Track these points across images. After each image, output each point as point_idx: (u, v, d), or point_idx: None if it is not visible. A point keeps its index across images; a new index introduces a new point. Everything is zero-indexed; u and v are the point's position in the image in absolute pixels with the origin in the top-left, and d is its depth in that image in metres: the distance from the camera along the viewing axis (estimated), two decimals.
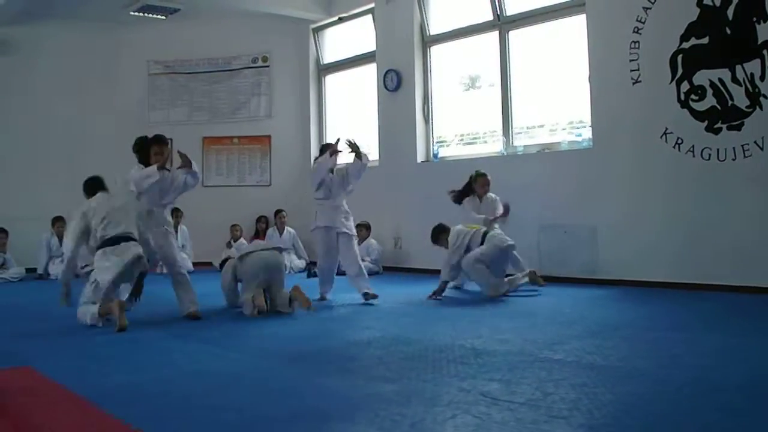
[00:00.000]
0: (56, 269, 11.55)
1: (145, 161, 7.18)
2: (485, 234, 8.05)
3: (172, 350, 5.39)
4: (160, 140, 7.24)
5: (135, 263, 6.51)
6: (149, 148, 7.19)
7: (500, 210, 8.75)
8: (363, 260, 11.00)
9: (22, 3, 11.67)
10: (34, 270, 11.74)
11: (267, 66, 13.74)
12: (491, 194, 8.96)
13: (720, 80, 7.77)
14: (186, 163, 7.18)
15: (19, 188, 12.05)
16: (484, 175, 8.96)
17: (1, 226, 11.30)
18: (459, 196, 9.05)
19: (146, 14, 12.62)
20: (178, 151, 7.29)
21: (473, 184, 8.99)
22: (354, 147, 7.96)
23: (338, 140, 7.99)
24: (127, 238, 6.61)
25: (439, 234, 8.48)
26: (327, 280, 8.23)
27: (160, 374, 4.55)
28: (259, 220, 13.03)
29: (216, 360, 4.99)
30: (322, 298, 8.08)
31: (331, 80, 13.60)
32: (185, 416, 3.53)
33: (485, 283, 7.92)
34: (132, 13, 12.45)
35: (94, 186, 7.05)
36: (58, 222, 11.64)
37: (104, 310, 6.39)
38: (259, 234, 12.98)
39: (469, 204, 8.92)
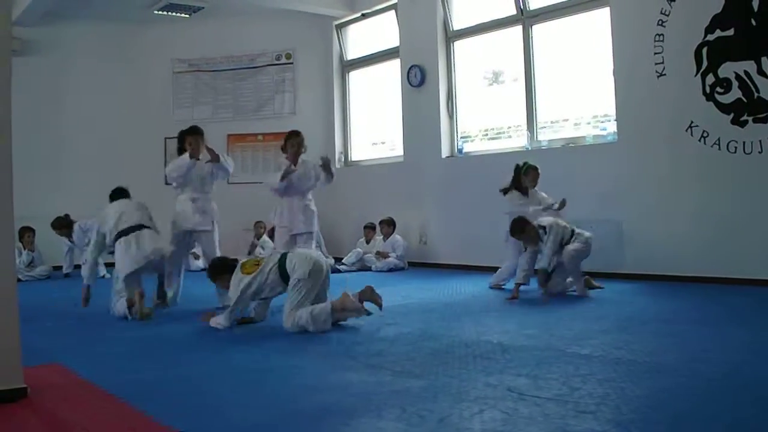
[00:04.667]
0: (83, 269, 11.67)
1: (182, 152, 7.71)
2: (572, 231, 7.64)
3: (201, 347, 5.43)
4: (194, 131, 7.77)
5: (154, 253, 6.92)
6: (185, 140, 7.70)
7: (551, 201, 8.28)
8: (388, 256, 11.10)
9: (47, 4, 11.77)
10: (61, 268, 11.84)
11: (291, 63, 13.77)
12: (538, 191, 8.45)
13: (746, 72, 7.71)
14: (213, 158, 7.59)
15: (47, 187, 12.11)
16: (535, 168, 8.41)
17: (29, 225, 11.38)
18: (506, 190, 8.51)
19: (170, 13, 12.72)
20: (207, 147, 7.65)
21: (522, 177, 8.41)
22: (326, 166, 8.06)
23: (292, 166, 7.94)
24: (141, 226, 7.03)
25: (525, 226, 7.66)
26: None
27: (189, 371, 4.58)
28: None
29: (244, 356, 5.02)
30: None
31: (354, 76, 13.60)
32: (214, 412, 3.55)
33: (578, 279, 7.59)
34: (156, 12, 12.56)
35: (115, 195, 7.62)
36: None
37: (129, 301, 6.66)
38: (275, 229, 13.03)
39: (516, 199, 8.39)
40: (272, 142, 13.63)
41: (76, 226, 11.59)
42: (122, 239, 6.93)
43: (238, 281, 6.04)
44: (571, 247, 7.50)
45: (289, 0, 12.54)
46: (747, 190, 7.74)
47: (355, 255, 11.37)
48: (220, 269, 6.39)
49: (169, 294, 7.55)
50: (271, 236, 12.96)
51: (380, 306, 6.08)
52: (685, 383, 3.80)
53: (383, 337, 5.54)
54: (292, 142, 8.03)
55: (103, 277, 11.39)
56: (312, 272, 5.92)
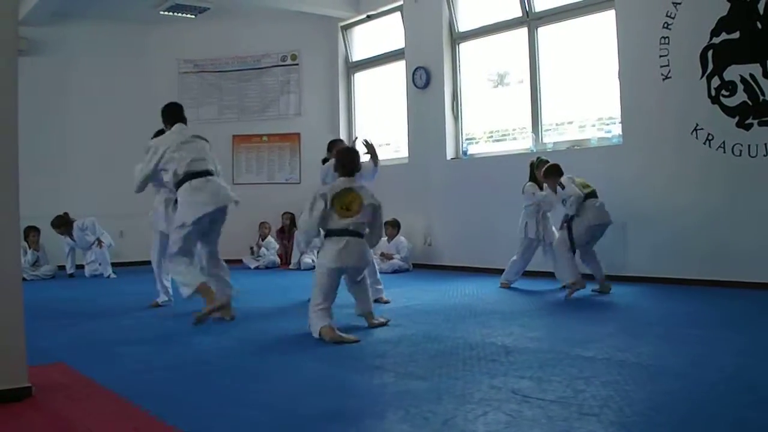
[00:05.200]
0: (90, 268, 11.71)
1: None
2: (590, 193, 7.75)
3: (205, 346, 5.43)
4: None
5: (224, 200, 6.51)
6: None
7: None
8: (392, 257, 11.10)
9: (54, 4, 11.80)
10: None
11: (296, 64, 13.79)
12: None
13: (751, 75, 7.71)
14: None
15: (52, 187, 12.13)
16: (547, 162, 8.41)
17: (34, 225, 11.40)
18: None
19: (176, 13, 12.73)
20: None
21: (535, 171, 8.45)
22: (371, 148, 7.59)
23: (355, 139, 7.89)
24: (210, 173, 6.54)
25: (558, 174, 7.93)
26: None
27: (193, 371, 4.59)
28: (284, 215, 13.12)
29: (248, 357, 5.03)
30: None
31: (360, 78, 13.62)
32: (218, 413, 3.56)
33: (567, 269, 7.77)
34: (162, 12, 12.57)
35: (174, 115, 6.80)
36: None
37: (203, 288, 6.27)
38: (285, 230, 13.09)
39: (532, 188, 8.44)
40: (277, 143, 13.70)
41: (75, 225, 11.62)
42: (193, 182, 6.38)
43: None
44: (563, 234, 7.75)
45: (294, 1, 12.56)
46: (752, 194, 7.73)
47: None
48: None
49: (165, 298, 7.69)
50: (281, 237, 13.04)
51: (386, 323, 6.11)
52: (689, 386, 3.81)
53: (387, 338, 5.54)
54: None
55: (108, 277, 11.45)
56: (330, 270, 5.71)
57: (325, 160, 7.93)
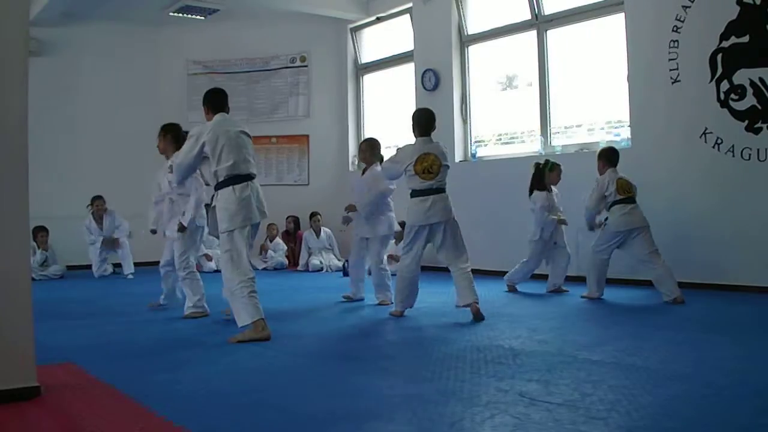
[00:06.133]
0: (100, 269, 11.74)
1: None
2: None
3: (212, 348, 5.44)
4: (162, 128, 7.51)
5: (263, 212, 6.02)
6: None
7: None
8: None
9: (64, 5, 11.83)
10: (75, 267, 11.90)
11: (305, 66, 13.81)
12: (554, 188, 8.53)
13: (760, 79, 7.69)
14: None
15: (61, 186, 12.15)
16: (557, 165, 8.46)
17: (42, 225, 11.42)
18: (530, 190, 8.44)
19: (185, 15, 12.76)
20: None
21: (548, 174, 8.39)
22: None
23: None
24: (253, 176, 5.97)
25: (605, 155, 7.93)
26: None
27: (201, 372, 4.59)
28: (287, 219, 13.14)
29: (255, 358, 5.03)
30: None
31: (369, 80, 13.64)
32: (225, 414, 3.56)
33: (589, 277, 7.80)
34: (171, 14, 12.60)
35: (217, 102, 6.16)
36: (97, 201, 11.81)
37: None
38: (289, 233, 13.11)
39: (540, 199, 8.30)
40: (286, 145, 13.69)
41: (108, 211, 11.75)
42: (236, 188, 5.77)
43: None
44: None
45: (304, 3, 12.58)
46: (760, 198, 7.72)
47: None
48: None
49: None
50: (286, 239, 13.05)
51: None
52: (697, 391, 3.80)
53: (395, 340, 5.55)
54: (361, 147, 8.20)
55: (127, 276, 11.47)
56: (419, 228, 6.72)
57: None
